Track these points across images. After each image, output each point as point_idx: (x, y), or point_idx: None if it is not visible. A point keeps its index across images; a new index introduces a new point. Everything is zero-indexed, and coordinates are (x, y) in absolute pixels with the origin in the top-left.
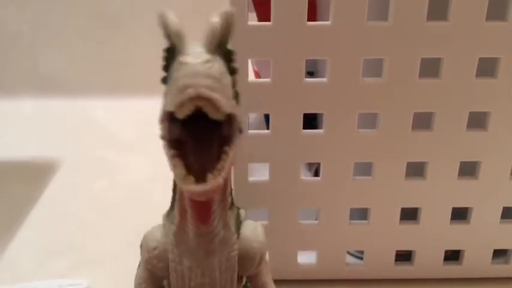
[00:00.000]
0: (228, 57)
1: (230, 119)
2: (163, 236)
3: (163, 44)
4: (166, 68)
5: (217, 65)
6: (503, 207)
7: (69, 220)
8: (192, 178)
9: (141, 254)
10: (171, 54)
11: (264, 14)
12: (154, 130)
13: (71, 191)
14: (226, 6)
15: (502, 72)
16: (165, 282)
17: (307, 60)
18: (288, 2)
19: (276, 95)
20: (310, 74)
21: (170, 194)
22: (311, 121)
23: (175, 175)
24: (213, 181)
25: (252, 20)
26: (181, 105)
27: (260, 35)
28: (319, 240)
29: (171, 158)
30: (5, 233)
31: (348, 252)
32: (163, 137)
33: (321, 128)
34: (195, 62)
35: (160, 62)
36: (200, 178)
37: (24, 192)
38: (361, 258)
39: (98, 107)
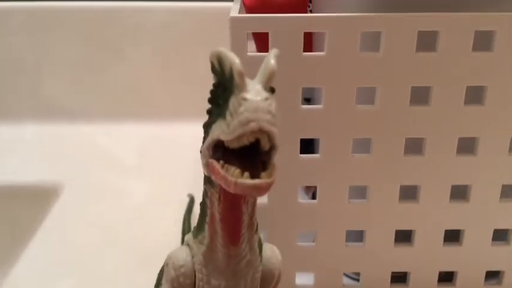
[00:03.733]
0: (272, 94)
1: (271, 148)
2: (189, 255)
3: (165, 70)
4: (213, 100)
5: (274, 102)
6: (494, 230)
7: (72, 243)
8: (247, 174)
9: (167, 272)
10: (219, 89)
11: (262, 44)
12: (155, 154)
13: (73, 215)
14: (226, 36)
15: (489, 100)
16: None
17: (303, 88)
18: (284, 34)
19: None
20: (307, 100)
21: (171, 216)
22: (308, 146)
23: (228, 176)
24: (268, 178)
25: (251, 48)
26: (242, 136)
27: (259, 65)
28: (317, 261)
29: (221, 166)
30: (9, 257)
31: (345, 274)
32: (206, 164)
33: (318, 153)
34: (257, 99)
35: (160, 88)
36: (253, 175)
37: (27, 216)
38: (358, 280)
39: (99, 132)
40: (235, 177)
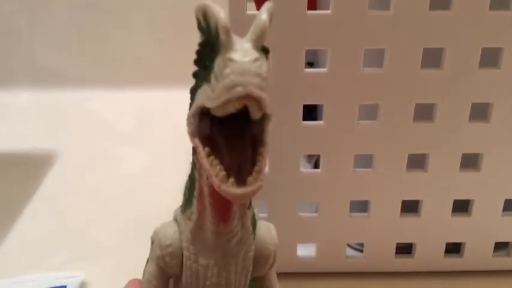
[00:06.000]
0: (265, 55)
1: (263, 118)
2: (177, 233)
3: (161, 35)
4: (199, 62)
5: (265, 64)
6: (505, 200)
7: (66, 212)
8: (232, 181)
9: (153, 250)
10: (206, 48)
11: (263, 3)
12: (152, 122)
13: (68, 183)
14: None
15: (505, 63)
16: (170, 281)
17: (307, 51)
18: None
19: (275, 86)
20: (310, 64)
21: (169, 185)
22: (311, 112)
23: (213, 175)
24: (254, 185)
25: (251, 10)
26: (228, 102)
27: None
28: (319, 232)
29: (206, 156)
30: (2, 226)
31: (348, 245)
32: (192, 133)
33: (321, 120)
34: (245, 60)
35: (156, 54)
36: (239, 179)
37: (21, 184)
38: (361, 251)
39: (95, 99)
40: (219, 180)
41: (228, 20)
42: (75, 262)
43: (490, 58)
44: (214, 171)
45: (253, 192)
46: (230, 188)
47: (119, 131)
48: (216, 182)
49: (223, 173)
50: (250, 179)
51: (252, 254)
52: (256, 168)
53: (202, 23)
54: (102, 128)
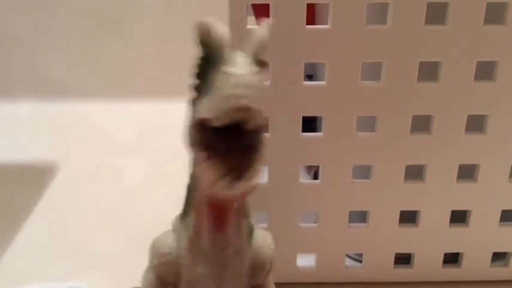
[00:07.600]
0: (262, 68)
1: (258, 127)
2: (175, 242)
3: (163, 46)
4: (199, 75)
5: (261, 77)
6: (502, 210)
7: (68, 223)
8: (227, 180)
9: (151, 258)
10: (205, 62)
11: (263, 17)
12: (154, 133)
13: (70, 194)
14: (226, 10)
15: (501, 76)
16: None
17: (306, 63)
18: (286, 6)
19: (275, 98)
20: (309, 77)
21: (170, 196)
22: (310, 124)
23: (208, 177)
24: (248, 183)
25: (251, 24)
26: (226, 114)
27: None
28: (319, 243)
29: (203, 160)
30: (4, 236)
31: (347, 255)
32: (190, 143)
33: (320, 131)
34: (242, 73)
35: (158, 65)
36: (234, 180)
37: (23, 195)
38: (360, 261)
39: (96, 110)
40: (214, 181)
41: (230, 35)
42: (76, 272)
43: (485, 71)
44: (209, 172)
45: (247, 190)
46: (224, 187)
47: (120, 142)
48: (209, 182)
49: (216, 173)
50: (244, 177)
51: (247, 262)
52: (251, 169)
53: (204, 38)
54: (103, 139)
